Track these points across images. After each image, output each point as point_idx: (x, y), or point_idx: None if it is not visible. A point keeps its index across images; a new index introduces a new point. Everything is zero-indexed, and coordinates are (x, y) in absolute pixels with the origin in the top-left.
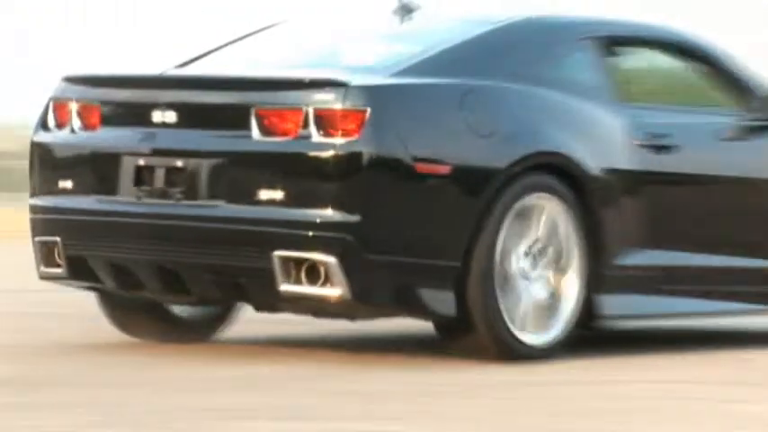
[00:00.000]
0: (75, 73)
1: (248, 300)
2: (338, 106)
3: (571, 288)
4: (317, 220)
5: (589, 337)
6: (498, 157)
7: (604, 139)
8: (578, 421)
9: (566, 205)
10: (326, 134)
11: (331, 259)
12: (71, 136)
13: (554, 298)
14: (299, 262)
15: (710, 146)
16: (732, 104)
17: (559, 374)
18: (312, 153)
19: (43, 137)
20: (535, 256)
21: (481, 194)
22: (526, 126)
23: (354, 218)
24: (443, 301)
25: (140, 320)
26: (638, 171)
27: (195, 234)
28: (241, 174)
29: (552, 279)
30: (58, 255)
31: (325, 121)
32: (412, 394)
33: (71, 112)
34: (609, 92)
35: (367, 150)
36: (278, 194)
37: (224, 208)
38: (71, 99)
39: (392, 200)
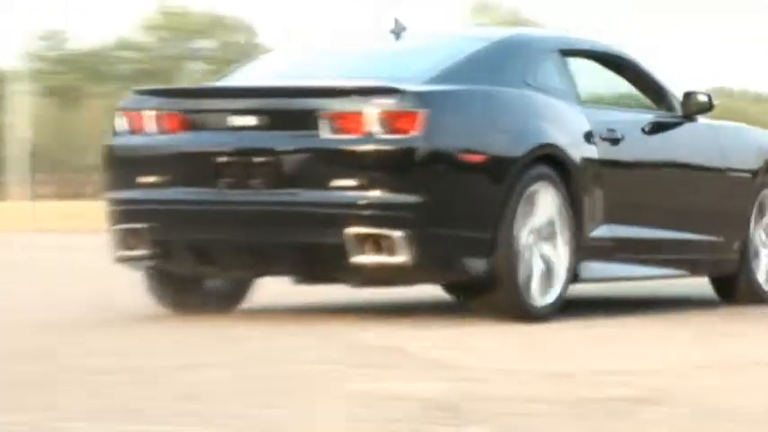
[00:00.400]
0: (147, 87)
1: (315, 271)
2: (397, 109)
3: (563, 259)
4: (384, 202)
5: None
6: (515, 149)
7: (578, 134)
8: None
9: (557, 189)
10: (388, 131)
11: (398, 233)
12: (148, 139)
13: (551, 267)
14: (367, 237)
15: (645, 139)
16: (655, 106)
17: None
18: (377, 147)
19: (118, 140)
20: (538, 232)
21: (504, 179)
22: (530, 123)
23: (415, 199)
24: (479, 265)
25: (178, 294)
26: (601, 160)
27: (276, 217)
28: (315, 166)
29: (550, 252)
30: (141, 240)
31: (386, 121)
32: None
33: (146, 119)
34: (573, 95)
35: (423, 144)
36: (348, 182)
37: (302, 194)
38: (145, 108)
39: (443, 184)
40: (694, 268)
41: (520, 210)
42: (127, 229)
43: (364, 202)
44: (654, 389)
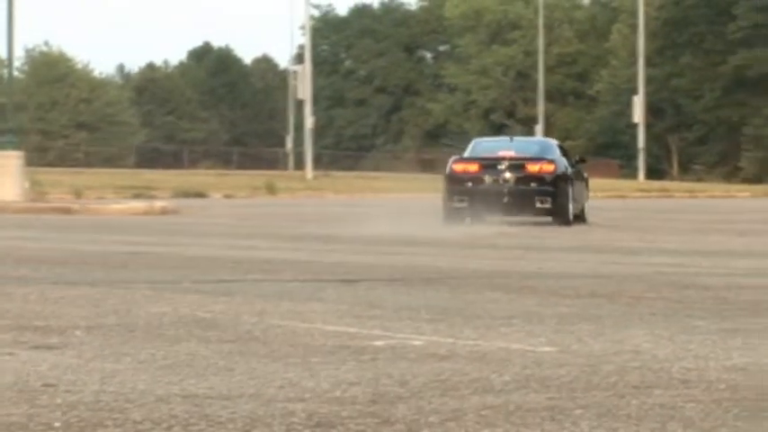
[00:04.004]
0: (463, 156)
1: (525, 211)
2: (547, 164)
3: (572, 209)
4: (544, 189)
5: None
6: (567, 173)
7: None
8: None
9: (572, 185)
10: (544, 171)
11: (548, 198)
12: (464, 173)
13: (573, 211)
14: (540, 199)
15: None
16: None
17: None
18: (543, 175)
19: (452, 171)
20: (572, 199)
21: (568, 182)
22: (567, 164)
23: (552, 189)
24: (564, 208)
25: (457, 220)
26: (573, 174)
27: (515, 193)
28: (525, 179)
29: (573, 206)
30: (463, 201)
31: (543, 168)
32: None
33: (463, 165)
34: (567, 157)
35: (553, 175)
36: (534, 184)
37: (521, 188)
38: (464, 161)
39: (559, 185)
40: (579, 212)
41: (569, 192)
42: (459, 198)
43: (540, 189)
44: None
